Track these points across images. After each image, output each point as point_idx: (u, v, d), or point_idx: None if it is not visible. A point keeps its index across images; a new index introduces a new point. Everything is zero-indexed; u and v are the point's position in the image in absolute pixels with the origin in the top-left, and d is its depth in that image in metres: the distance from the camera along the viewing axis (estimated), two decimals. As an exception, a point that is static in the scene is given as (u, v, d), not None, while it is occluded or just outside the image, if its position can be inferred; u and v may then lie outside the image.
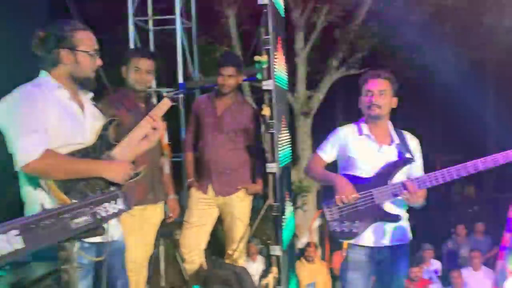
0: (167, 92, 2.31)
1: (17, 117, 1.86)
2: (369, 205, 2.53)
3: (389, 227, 2.57)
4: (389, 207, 2.56)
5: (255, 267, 5.63)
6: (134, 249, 2.79)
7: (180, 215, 3.31)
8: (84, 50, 2.00)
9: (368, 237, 2.56)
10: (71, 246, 1.35)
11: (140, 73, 2.88)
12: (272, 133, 3.11)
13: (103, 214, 1.40)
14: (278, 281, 3.14)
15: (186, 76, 4.58)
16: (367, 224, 2.55)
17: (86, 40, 2.02)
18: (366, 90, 2.60)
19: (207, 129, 3.29)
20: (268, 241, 3.20)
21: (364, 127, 2.65)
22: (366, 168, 2.58)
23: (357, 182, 2.55)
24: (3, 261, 1.04)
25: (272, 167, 3.09)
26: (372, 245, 2.57)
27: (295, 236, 4.41)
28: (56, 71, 2.00)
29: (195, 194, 3.33)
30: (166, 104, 2.28)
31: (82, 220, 1.29)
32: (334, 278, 5.42)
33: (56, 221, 1.19)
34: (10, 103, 1.89)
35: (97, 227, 1.37)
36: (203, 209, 3.32)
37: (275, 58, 3.10)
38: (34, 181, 1.90)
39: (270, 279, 3.25)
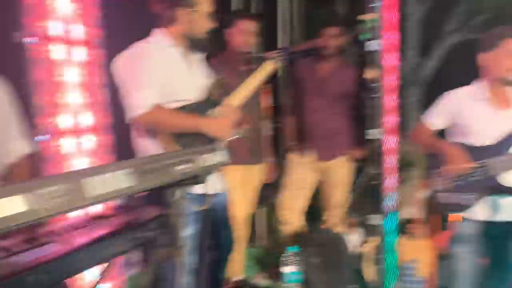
0: (271, 54, 2.30)
1: (132, 72, 1.96)
2: (484, 176, 2.31)
3: (505, 201, 2.32)
4: (506, 180, 2.31)
5: (354, 238, 5.51)
6: (236, 205, 2.88)
7: (280, 179, 3.34)
8: (202, 10, 2.03)
9: (480, 210, 2.35)
10: (177, 191, 1.43)
11: (245, 34, 2.88)
12: (375, 98, 2.95)
13: (202, 164, 1.45)
14: (379, 250, 3.05)
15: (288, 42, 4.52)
16: (480, 197, 2.34)
17: (204, 0, 2.04)
18: (509, 49, 2.24)
19: (309, 92, 3.23)
20: (368, 211, 3.09)
21: (481, 90, 2.39)
22: (481, 135, 2.34)
23: (471, 151, 2.33)
24: (115, 197, 1.13)
25: (374, 134, 2.95)
26: (484, 219, 2.35)
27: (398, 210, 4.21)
28: (171, 29, 2.05)
29: (295, 158, 3.33)
30: (269, 66, 2.27)
31: (184, 167, 1.36)
32: (440, 257, 5.08)
33: (160, 165, 1.27)
34: (127, 59, 2.00)
35: (198, 176, 1.43)
36: (303, 173, 3.31)
37: (382, 18, 2.91)
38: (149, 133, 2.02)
39: (371, 247, 3.16)
